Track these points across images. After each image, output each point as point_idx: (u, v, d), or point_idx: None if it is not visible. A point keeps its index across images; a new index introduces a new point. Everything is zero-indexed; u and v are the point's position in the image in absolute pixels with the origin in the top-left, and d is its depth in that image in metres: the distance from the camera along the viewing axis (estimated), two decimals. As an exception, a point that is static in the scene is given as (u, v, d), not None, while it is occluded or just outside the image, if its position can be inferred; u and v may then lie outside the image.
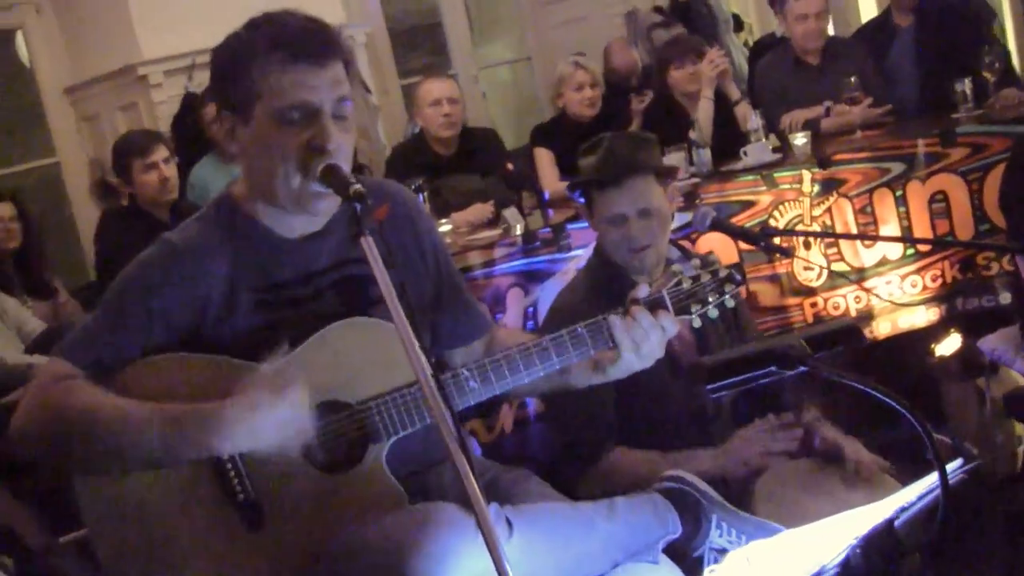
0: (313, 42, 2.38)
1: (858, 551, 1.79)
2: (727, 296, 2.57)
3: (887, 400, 1.91)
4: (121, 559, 2.34)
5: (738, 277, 2.61)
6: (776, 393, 3.39)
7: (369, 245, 2.05)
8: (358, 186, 2.16)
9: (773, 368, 1.99)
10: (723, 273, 2.59)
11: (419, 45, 10.03)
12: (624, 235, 3.36)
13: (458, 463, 1.84)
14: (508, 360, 2.45)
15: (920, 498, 2.00)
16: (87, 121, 8.05)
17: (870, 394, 1.96)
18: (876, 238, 5.31)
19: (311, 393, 2.28)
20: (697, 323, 2.56)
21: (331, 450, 2.39)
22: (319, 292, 2.49)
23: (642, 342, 2.43)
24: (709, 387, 2.10)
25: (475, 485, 1.82)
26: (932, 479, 2.04)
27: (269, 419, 2.21)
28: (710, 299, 2.55)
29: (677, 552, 2.59)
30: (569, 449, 3.22)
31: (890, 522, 1.85)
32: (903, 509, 1.97)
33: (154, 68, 7.31)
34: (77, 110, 8.08)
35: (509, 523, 2.30)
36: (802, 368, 1.97)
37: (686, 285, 2.54)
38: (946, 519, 1.86)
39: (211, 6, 7.15)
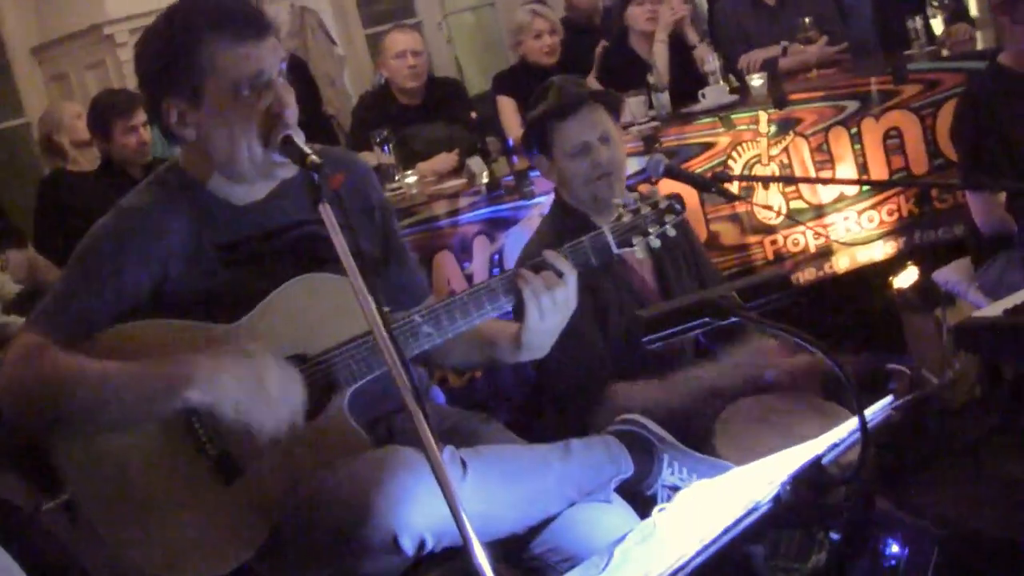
0: (250, 16, 2.50)
1: (788, 487, 1.92)
2: (667, 226, 2.69)
3: (808, 346, 2.03)
4: (106, 519, 2.43)
5: (677, 207, 2.72)
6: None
7: (327, 211, 2.16)
8: (314, 156, 2.28)
9: (707, 319, 2.12)
10: (663, 204, 2.70)
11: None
12: (591, 162, 3.48)
13: (409, 405, 1.95)
14: (460, 304, 2.55)
15: (851, 434, 2.12)
16: (56, 81, 8.07)
17: (795, 340, 2.07)
18: (813, 180, 5.45)
19: (273, 349, 2.40)
20: (640, 253, 2.70)
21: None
22: (279, 250, 2.59)
23: (542, 293, 2.53)
24: (645, 339, 2.21)
25: (426, 426, 1.92)
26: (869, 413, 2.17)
27: (233, 376, 2.33)
28: (650, 230, 2.67)
29: (630, 491, 2.70)
30: (573, 390, 3.32)
31: (818, 459, 1.98)
32: (834, 446, 2.10)
33: (120, 27, 7.34)
34: (45, 70, 8.10)
35: (464, 464, 2.41)
36: (734, 318, 2.09)
37: (626, 219, 2.67)
38: (864, 455, 1.98)
39: (174, -38, 7.22)
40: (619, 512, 2.60)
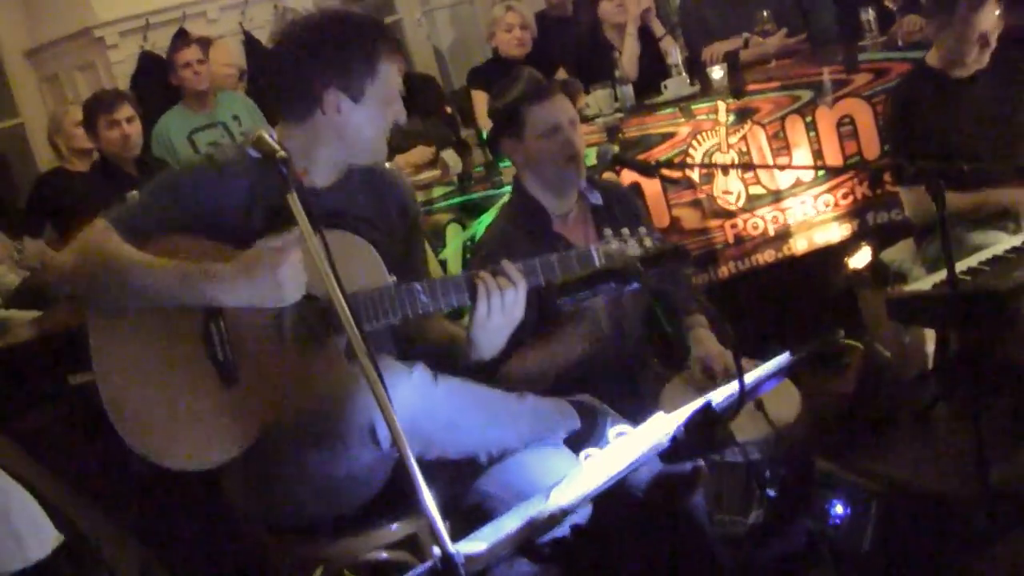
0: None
1: (682, 427, 2.20)
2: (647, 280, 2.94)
3: (705, 307, 2.30)
4: (119, 401, 2.81)
5: (676, 248, 2.91)
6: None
7: (294, 200, 2.51)
8: (282, 152, 2.62)
9: (612, 284, 2.39)
10: (651, 247, 2.90)
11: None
12: (562, 143, 3.67)
13: (347, 329, 2.33)
14: (448, 282, 2.91)
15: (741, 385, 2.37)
16: (48, 82, 8.31)
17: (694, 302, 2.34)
18: (756, 167, 5.71)
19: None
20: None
21: (303, 330, 2.86)
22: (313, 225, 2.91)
23: (493, 294, 2.87)
24: (559, 300, 2.49)
25: (361, 339, 2.33)
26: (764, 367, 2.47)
27: (265, 276, 2.74)
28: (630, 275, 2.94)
29: (577, 448, 2.97)
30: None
31: (708, 403, 2.25)
32: (730, 396, 2.37)
33: (109, 29, 7.63)
34: (38, 72, 8.33)
35: (435, 376, 2.77)
36: (634, 283, 2.37)
37: (614, 246, 2.91)
38: (739, 408, 2.24)
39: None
40: (566, 459, 2.91)
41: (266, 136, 2.73)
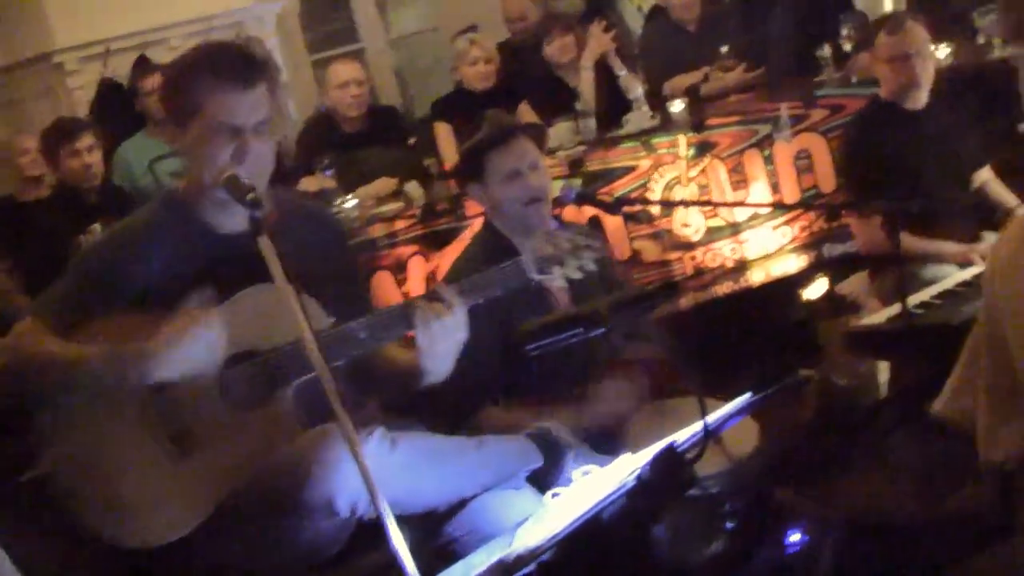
0: (242, 64, 2.86)
1: (647, 467, 2.26)
2: (585, 260, 3.01)
3: (665, 350, 2.37)
4: (75, 489, 2.80)
5: (595, 244, 3.05)
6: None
7: (266, 243, 2.50)
8: (254, 194, 2.61)
9: (580, 330, 2.45)
10: (582, 241, 3.03)
11: (328, 17, 10.37)
12: (522, 187, 3.69)
13: (325, 383, 2.35)
14: (387, 314, 2.91)
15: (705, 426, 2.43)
16: (6, 108, 8.26)
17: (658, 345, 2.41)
18: (713, 203, 5.83)
19: (232, 341, 2.79)
20: (559, 282, 3.04)
21: (246, 389, 2.84)
22: (241, 276, 2.87)
23: (431, 321, 2.86)
24: (528, 347, 2.54)
25: (338, 403, 2.33)
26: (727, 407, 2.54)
27: (189, 342, 2.71)
28: (569, 262, 2.99)
29: (541, 483, 3.01)
30: (446, 407, 3.48)
31: (671, 445, 2.32)
32: (694, 435, 2.43)
33: (69, 55, 7.62)
34: (-2, 96, 8.32)
35: (393, 442, 2.75)
36: (602, 328, 2.43)
37: (547, 249, 3.00)
38: (704, 447, 2.31)
39: (123, -7, 7.50)
40: (529, 498, 2.94)
41: (238, 177, 2.74)
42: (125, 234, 2.98)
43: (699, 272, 5.83)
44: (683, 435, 2.42)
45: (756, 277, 5.91)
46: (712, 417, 2.47)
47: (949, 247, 4.57)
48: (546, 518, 2.49)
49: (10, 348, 2.86)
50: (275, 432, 2.84)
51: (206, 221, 2.96)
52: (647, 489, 2.22)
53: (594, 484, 2.55)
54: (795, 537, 3.80)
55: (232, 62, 2.88)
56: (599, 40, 6.57)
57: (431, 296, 2.90)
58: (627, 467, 2.50)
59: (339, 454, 2.61)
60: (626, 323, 2.51)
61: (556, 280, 3.02)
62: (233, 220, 2.93)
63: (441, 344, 2.88)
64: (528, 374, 3.61)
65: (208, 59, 2.89)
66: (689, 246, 5.78)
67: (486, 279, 2.97)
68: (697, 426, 2.39)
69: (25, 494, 2.97)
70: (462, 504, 2.90)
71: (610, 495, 2.27)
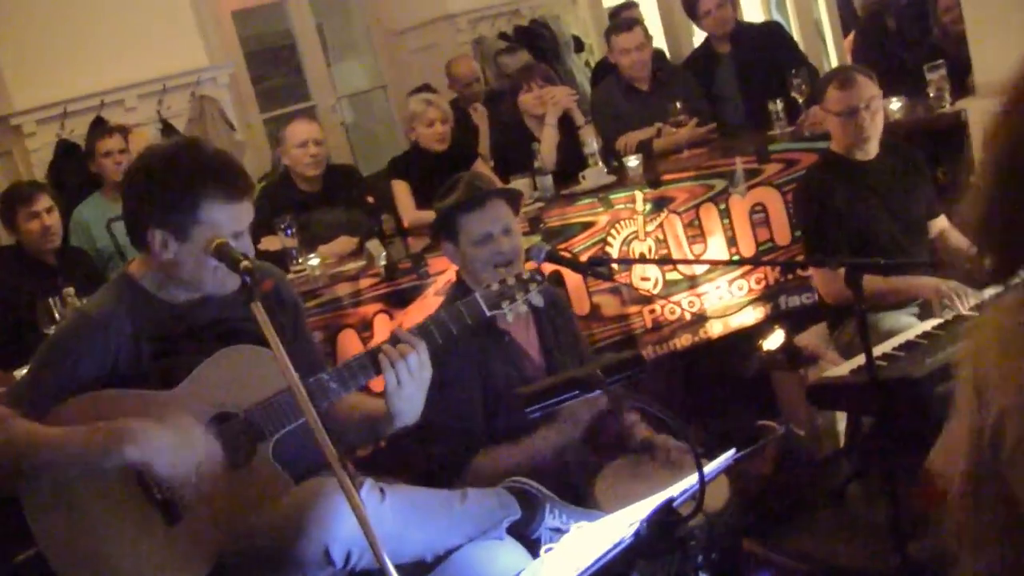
0: (239, 180, 3.02)
1: (645, 524, 2.32)
2: (532, 294, 3.20)
3: (658, 414, 2.43)
4: (67, 561, 2.85)
5: (538, 277, 3.26)
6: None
7: (259, 309, 2.60)
8: (247, 262, 2.71)
9: (577, 391, 2.52)
10: (526, 275, 3.24)
11: (277, 70, 10.43)
12: (492, 251, 3.79)
13: (320, 438, 2.41)
14: (355, 364, 3.02)
15: (698, 482, 2.50)
16: (-35, 167, 8.25)
17: (647, 410, 2.48)
18: (674, 262, 5.90)
19: (204, 408, 2.90)
20: (510, 317, 3.23)
21: (230, 451, 2.93)
22: (204, 341, 3.05)
23: (396, 361, 2.97)
24: (528, 410, 2.60)
25: (334, 454, 2.39)
26: (715, 462, 2.59)
27: (163, 436, 2.78)
28: (517, 296, 3.18)
29: (519, 534, 3.14)
30: (439, 460, 3.63)
31: (669, 501, 2.38)
32: (685, 491, 2.50)
33: (27, 118, 7.58)
34: (-47, 158, 8.27)
35: (382, 492, 2.87)
36: (596, 391, 2.50)
37: (495, 287, 3.19)
38: (700, 502, 2.37)
39: (80, 56, 7.52)
40: (511, 549, 3.06)
41: (229, 245, 2.83)
42: (88, 321, 3.04)
43: (657, 325, 5.90)
44: (677, 490, 2.48)
45: (714, 329, 5.99)
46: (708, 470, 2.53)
47: (913, 282, 4.66)
48: (542, 572, 2.53)
49: None
50: (263, 489, 2.92)
51: (162, 298, 3.08)
52: (644, 545, 2.27)
53: (586, 539, 2.60)
54: (763, 585, 3.89)
55: (234, 178, 3.02)
56: (563, 95, 6.68)
57: (393, 340, 3.01)
58: (620, 523, 2.56)
59: (335, 505, 2.71)
60: (620, 386, 2.57)
61: (508, 315, 3.16)
62: (190, 293, 3.08)
63: (408, 385, 2.98)
64: (506, 429, 3.69)
65: (212, 173, 2.99)
66: (647, 300, 5.85)
67: (441, 317, 3.12)
68: (691, 481, 2.45)
69: (21, 574, 3.00)
70: (447, 554, 2.99)
71: (608, 551, 2.32)
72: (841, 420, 5.48)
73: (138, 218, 3.01)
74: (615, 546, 2.34)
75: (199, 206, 2.93)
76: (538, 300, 3.21)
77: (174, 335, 3.04)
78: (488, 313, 3.15)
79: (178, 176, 2.96)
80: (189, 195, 2.93)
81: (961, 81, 6.08)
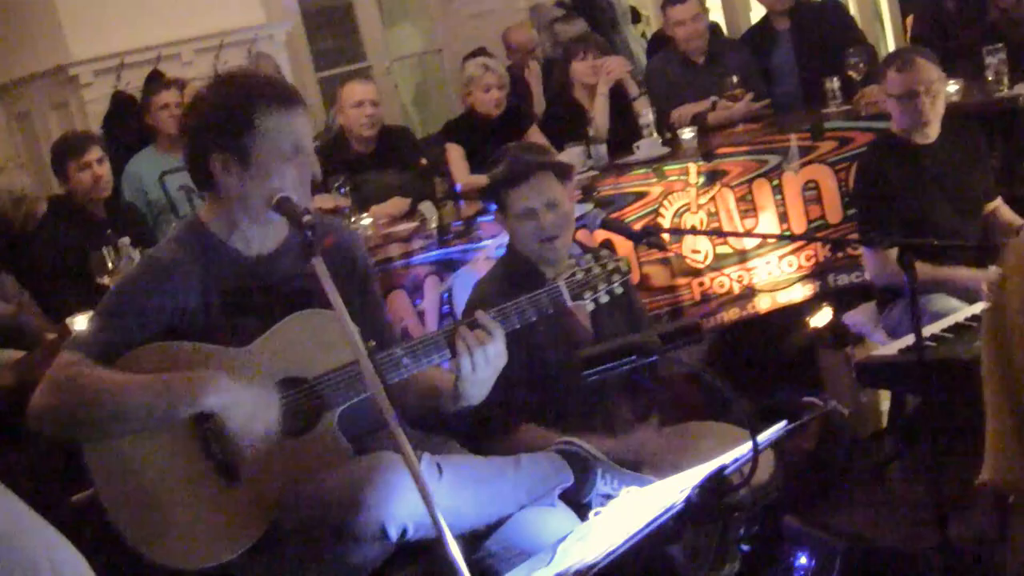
0: (290, 90, 3.02)
1: (696, 491, 2.35)
2: (615, 285, 3.15)
3: (714, 382, 2.45)
4: (124, 512, 2.86)
5: (624, 268, 3.19)
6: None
7: (320, 264, 2.59)
8: (309, 216, 2.72)
9: (633, 357, 2.55)
10: (611, 266, 3.17)
11: (333, 31, 10.46)
12: (536, 226, 3.77)
13: (388, 421, 2.39)
14: (430, 342, 3.00)
15: (748, 452, 2.52)
16: (19, 120, 8.37)
17: (702, 377, 2.50)
18: (725, 234, 5.91)
19: (275, 371, 2.89)
20: (590, 307, 3.16)
21: (293, 416, 2.93)
22: (276, 298, 3.04)
23: (474, 348, 2.96)
24: (586, 373, 2.63)
25: (404, 438, 2.37)
26: (768, 433, 2.62)
27: (243, 393, 2.81)
28: (600, 287, 3.13)
29: (571, 499, 3.15)
30: (483, 425, 3.58)
31: (721, 468, 2.40)
32: (736, 460, 2.52)
33: (84, 68, 7.67)
34: (9, 108, 8.39)
35: (440, 468, 2.87)
36: (654, 357, 2.53)
37: (579, 276, 3.13)
38: (752, 471, 2.39)
39: (138, 7, 7.56)
40: (562, 515, 3.06)
41: (291, 199, 2.86)
42: (157, 266, 3.02)
43: (706, 298, 5.91)
44: (730, 458, 2.50)
45: (762, 304, 6.00)
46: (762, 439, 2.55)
47: (963, 272, 4.66)
48: (590, 536, 2.57)
49: (60, 380, 2.87)
50: (323, 458, 2.93)
51: (234, 247, 3.06)
52: (694, 511, 2.30)
53: (635, 504, 2.63)
54: (802, 560, 3.91)
55: (284, 88, 3.02)
56: (617, 66, 6.67)
57: (472, 324, 2.99)
58: (671, 488, 2.59)
59: (395, 481, 2.71)
60: (675, 353, 2.60)
61: (588, 305, 3.13)
62: (262, 243, 3.07)
63: (483, 371, 2.97)
64: (553, 395, 3.71)
65: (261, 85, 3.00)
66: (697, 272, 5.87)
67: (523, 306, 3.07)
68: (743, 449, 2.47)
69: (74, 514, 3.05)
70: (499, 522, 2.99)
71: (658, 516, 2.35)
72: (884, 400, 5.48)
73: (198, 149, 2.99)
74: (664, 511, 2.37)
75: (253, 114, 2.90)
76: (619, 290, 3.17)
77: (245, 289, 3.03)
78: (570, 304, 3.13)
79: (230, 93, 2.98)
80: (241, 107, 2.92)
81: (1019, 65, 6.04)
